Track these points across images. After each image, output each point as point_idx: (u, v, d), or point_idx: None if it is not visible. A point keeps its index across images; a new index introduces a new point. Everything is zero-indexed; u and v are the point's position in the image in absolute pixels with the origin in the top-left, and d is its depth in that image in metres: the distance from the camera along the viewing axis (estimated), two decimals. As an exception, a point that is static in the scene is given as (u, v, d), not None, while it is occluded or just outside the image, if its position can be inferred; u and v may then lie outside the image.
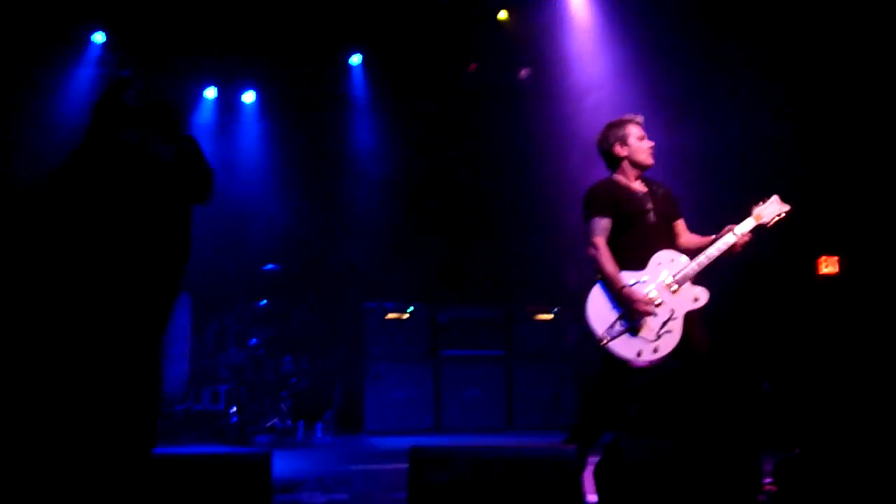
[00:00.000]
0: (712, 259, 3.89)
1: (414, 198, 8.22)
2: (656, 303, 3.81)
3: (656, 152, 4.10)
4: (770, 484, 3.69)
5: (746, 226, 3.96)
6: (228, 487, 2.98)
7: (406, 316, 7.36)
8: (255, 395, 6.51)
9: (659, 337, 3.79)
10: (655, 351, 3.78)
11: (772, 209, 4.00)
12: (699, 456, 3.20)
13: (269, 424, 6.45)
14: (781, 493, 3.60)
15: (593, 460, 3.55)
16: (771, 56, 5.83)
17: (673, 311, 3.82)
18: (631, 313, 3.78)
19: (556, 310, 7.60)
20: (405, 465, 3.04)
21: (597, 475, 3.45)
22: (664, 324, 3.80)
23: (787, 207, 4.01)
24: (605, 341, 3.79)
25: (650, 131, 4.13)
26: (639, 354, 3.77)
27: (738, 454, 3.28)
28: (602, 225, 3.93)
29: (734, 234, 3.93)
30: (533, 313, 7.60)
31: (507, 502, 2.98)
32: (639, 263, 3.89)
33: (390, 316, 7.33)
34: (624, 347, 3.78)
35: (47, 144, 7.03)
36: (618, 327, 3.79)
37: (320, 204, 7.98)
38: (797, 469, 3.55)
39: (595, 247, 3.90)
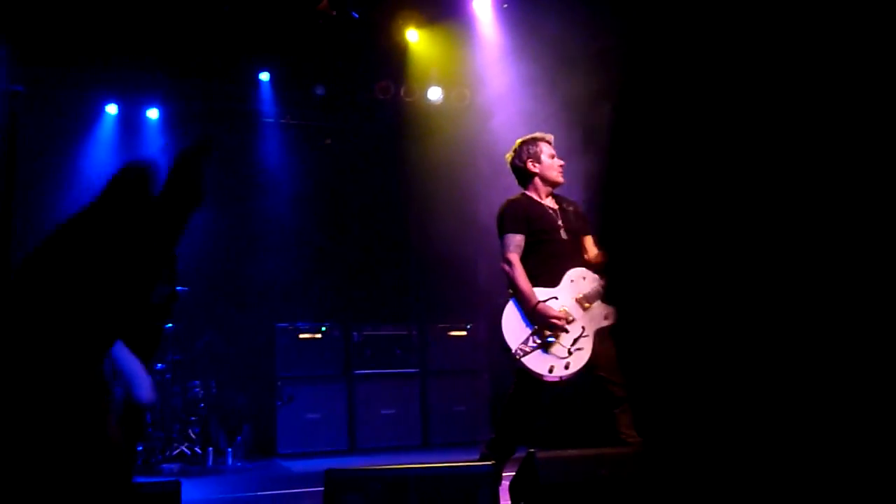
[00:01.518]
0: None
1: (326, 216, 8.15)
2: (569, 319, 3.89)
3: (566, 171, 4.20)
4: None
5: None
6: (134, 520, 2.86)
7: (319, 335, 7.26)
8: (161, 422, 6.27)
9: (570, 353, 3.86)
10: (567, 367, 3.85)
11: None
12: (612, 468, 3.27)
13: (176, 452, 6.23)
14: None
15: (509, 475, 3.58)
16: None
17: (584, 329, 3.91)
18: (544, 329, 3.84)
19: (469, 326, 7.65)
20: (320, 489, 3.00)
21: (512, 490, 3.48)
22: (576, 340, 3.88)
23: None
24: (518, 356, 3.83)
25: (558, 150, 4.23)
26: (551, 370, 3.84)
27: (650, 465, 3.36)
28: (516, 241, 3.99)
29: None
30: (446, 330, 7.63)
31: (425, 522, 2.96)
32: (551, 280, 3.96)
33: (303, 336, 7.21)
34: (537, 363, 3.83)
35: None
36: (531, 343, 3.85)
37: (230, 222, 7.80)
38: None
39: (509, 263, 3.95)
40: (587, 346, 3.89)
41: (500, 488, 3.51)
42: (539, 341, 3.85)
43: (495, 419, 6.96)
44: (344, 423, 7.15)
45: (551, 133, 4.25)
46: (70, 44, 6.62)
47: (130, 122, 7.76)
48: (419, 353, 7.52)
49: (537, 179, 4.15)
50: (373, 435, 7.19)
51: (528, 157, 4.15)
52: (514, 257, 3.96)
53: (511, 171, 4.27)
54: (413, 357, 7.51)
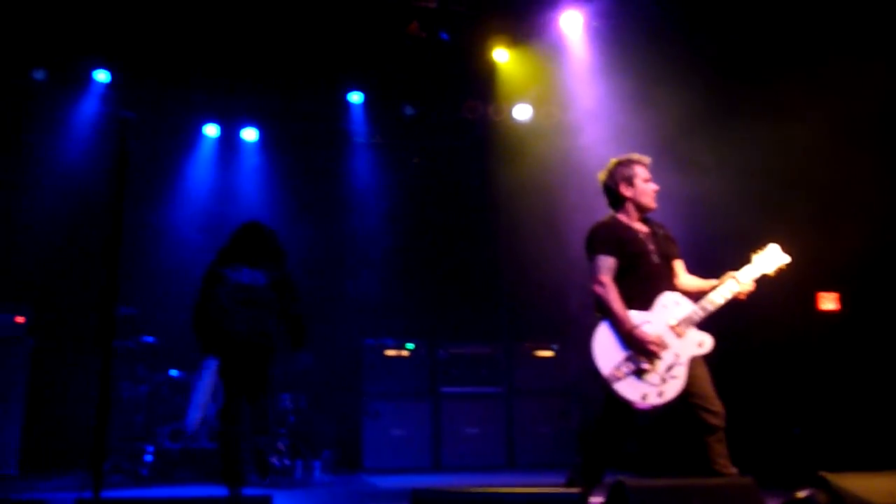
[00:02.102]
0: (717, 306, 3.85)
1: (415, 234, 8.24)
2: (664, 345, 3.77)
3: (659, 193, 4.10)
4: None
5: (750, 274, 3.93)
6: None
7: (405, 353, 7.32)
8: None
9: (664, 381, 3.74)
10: (660, 395, 3.73)
11: (773, 259, 3.98)
12: (702, 495, 3.17)
13: (266, 463, 6.36)
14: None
15: (596, 502, 3.51)
16: (768, 98, 5.87)
17: (678, 356, 3.78)
18: (639, 355, 3.74)
19: (555, 346, 7.57)
20: (408, 509, 3.01)
21: (602, 518, 3.41)
22: (670, 368, 3.76)
23: (787, 259, 3.99)
24: (611, 382, 3.74)
25: (653, 171, 4.13)
26: (644, 398, 3.72)
27: (740, 493, 3.25)
28: (608, 264, 3.89)
29: (738, 282, 3.90)
30: (532, 350, 7.57)
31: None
32: (643, 304, 3.85)
33: (389, 353, 7.29)
34: (629, 389, 3.73)
35: (49, 182, 7.06)
36: (624, 368, 3.74)
37: (319, 240, 7.99)
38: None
39: (602, 285, 3.84)
40: (681, 373, 3.76)
41: (589, 515, 3.45)
42: (633, 367, 3.74)
43: (582, 443, 6.85)
44: (428, 441, 7.18)
45: (646, 154, 4.14)
46: (173, 70, 6.95)
47: (229, 142, 8.07)
48: (505, 373, 7.49)
49: (629, 203, 4.04)
50: (457, 453, 7.18)
51: (622, 180, 4.05)
52: (608, 279, 3.86)
53: (603, 192, 4.18)
54: (499, 376, 7.48)
